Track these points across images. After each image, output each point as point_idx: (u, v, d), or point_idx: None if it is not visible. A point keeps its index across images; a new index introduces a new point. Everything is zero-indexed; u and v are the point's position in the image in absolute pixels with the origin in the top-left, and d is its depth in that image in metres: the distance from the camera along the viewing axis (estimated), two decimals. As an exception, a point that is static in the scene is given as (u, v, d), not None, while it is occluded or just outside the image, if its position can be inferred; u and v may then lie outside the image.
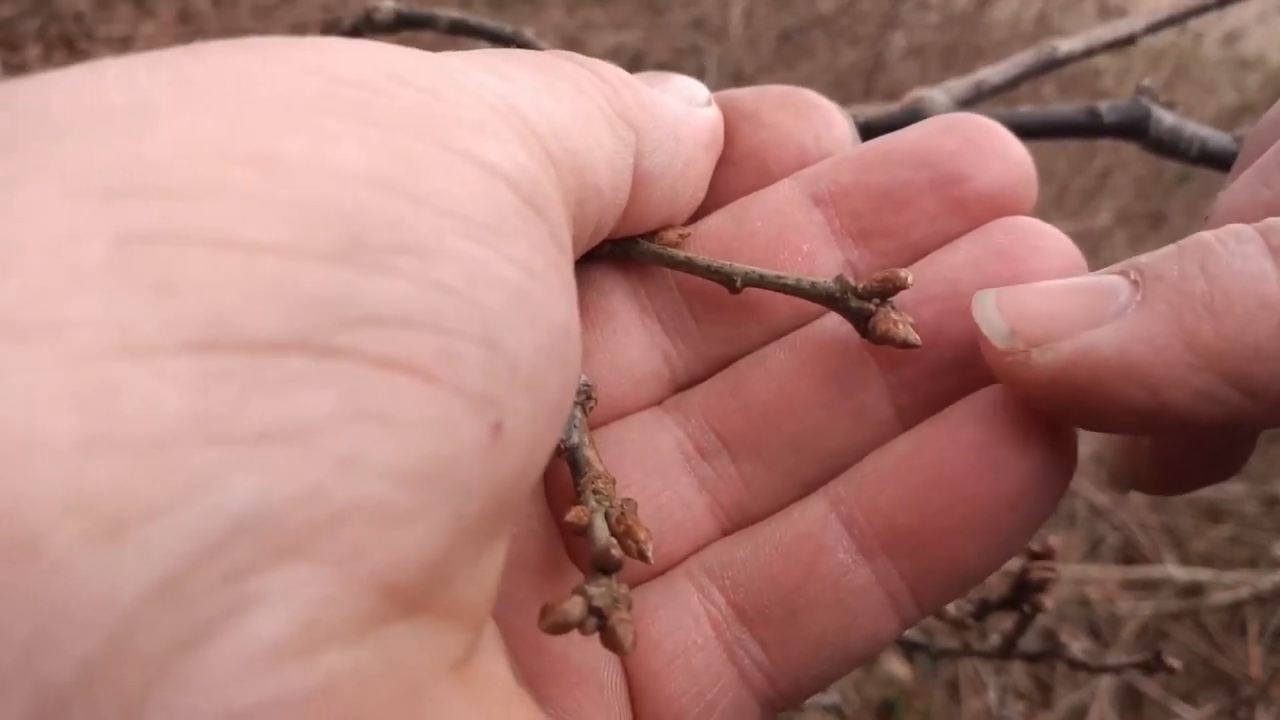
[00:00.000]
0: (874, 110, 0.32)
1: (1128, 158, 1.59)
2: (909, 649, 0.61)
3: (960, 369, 0.21)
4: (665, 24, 1.74)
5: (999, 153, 0.22)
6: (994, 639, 0.42)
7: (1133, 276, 0.18)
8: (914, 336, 0.20)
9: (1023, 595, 0.31)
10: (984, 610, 0.34)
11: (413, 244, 0.13)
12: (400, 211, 0.13)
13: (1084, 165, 1.56)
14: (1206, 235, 0.18)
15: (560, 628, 0.16)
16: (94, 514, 0.10)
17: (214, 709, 0.11)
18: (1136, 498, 1.21)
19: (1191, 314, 0.17)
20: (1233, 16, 1.79)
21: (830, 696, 0.56)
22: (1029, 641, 0.39)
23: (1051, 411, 0.19)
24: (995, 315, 0.19)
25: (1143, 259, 0.19)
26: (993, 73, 0.35)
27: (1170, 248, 0.18)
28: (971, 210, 0.22)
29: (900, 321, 0.20)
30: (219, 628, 0.11)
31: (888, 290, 0.20)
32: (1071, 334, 0.18)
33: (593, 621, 0.17)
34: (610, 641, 0.17)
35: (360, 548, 0.12)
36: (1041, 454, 0.20)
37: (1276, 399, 0.17)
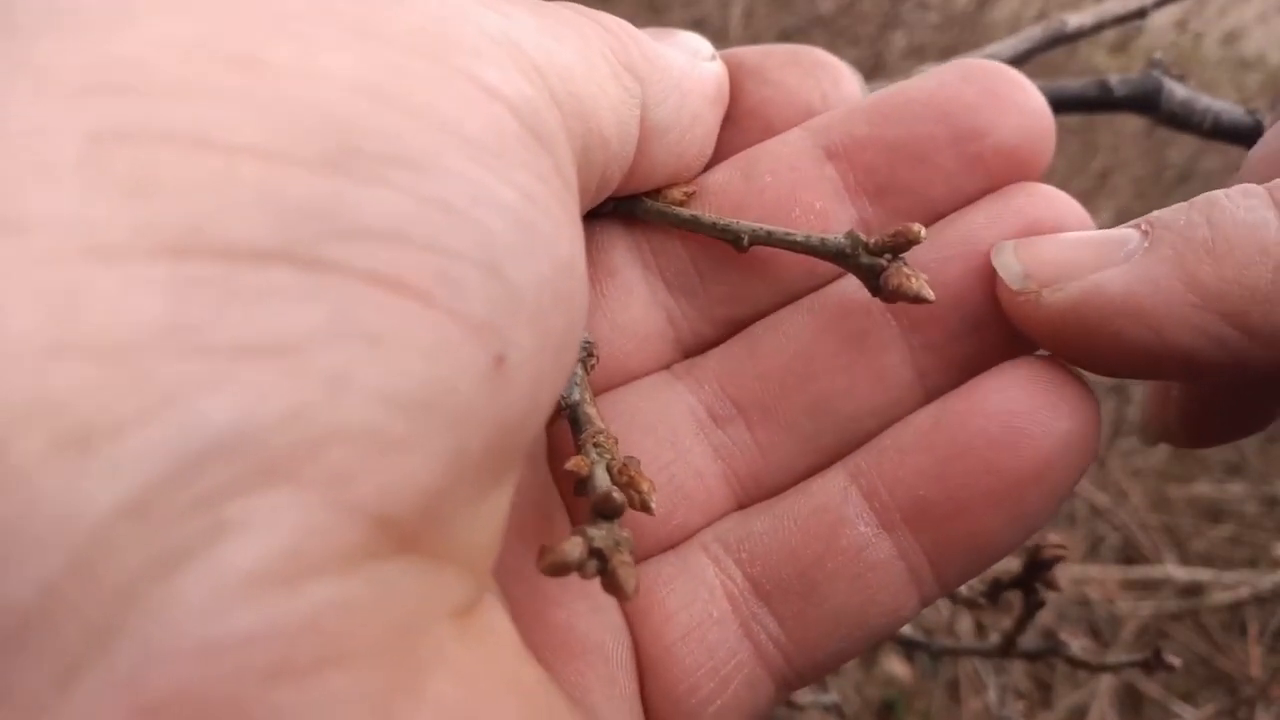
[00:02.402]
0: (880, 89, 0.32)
1: (1128, 157, 1.58)
2: (909, 648, 0.60)
3: (984, 330, 0.21)
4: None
5: (1018, 104, 0.22)
6: (994, 638, 0.41)
7: (1144, 228, 0.19)
8: (928, 291, 0.20)
9: (1035, 574, 0.31)
10: (996, 590, 0.34)
11: (408, 158, 0.13)
12: (395, 124, 0.13)
13: (1084, 165, 1.56)
14: (1216, 192, 0.19)
15: (559, 568, 0.16)
16: (59, 423, 0.10)
17: (189, 639, 0.10)
18: (1137, 498, 1.20)
19: (1193, 257, 0.18)
20: (1233, 16, 1.80)
21: (830, 696, 0.55)
22: (1029, 640, 0.39)
23: (1060, 352, 0.20)
24: (1012, 259, 0.20)
25: (1155, 213, 0.19)
26: (1001, 47, 0.34)
27: (1182, 203, 0.19)
28: (990, 166, 0.22)
29: (913, 276, 0.20)
30: (193, 553, 0.10)
31: (900, 245, 0.20)
32: (1081, 276, 0.19)
33: (593, 564, 0.16)
34: (611, 585, 0.16)
35: (348, 474, 0.11)
36: (1067, 426, 0.19)
37: (1272, 339, 0.17)
